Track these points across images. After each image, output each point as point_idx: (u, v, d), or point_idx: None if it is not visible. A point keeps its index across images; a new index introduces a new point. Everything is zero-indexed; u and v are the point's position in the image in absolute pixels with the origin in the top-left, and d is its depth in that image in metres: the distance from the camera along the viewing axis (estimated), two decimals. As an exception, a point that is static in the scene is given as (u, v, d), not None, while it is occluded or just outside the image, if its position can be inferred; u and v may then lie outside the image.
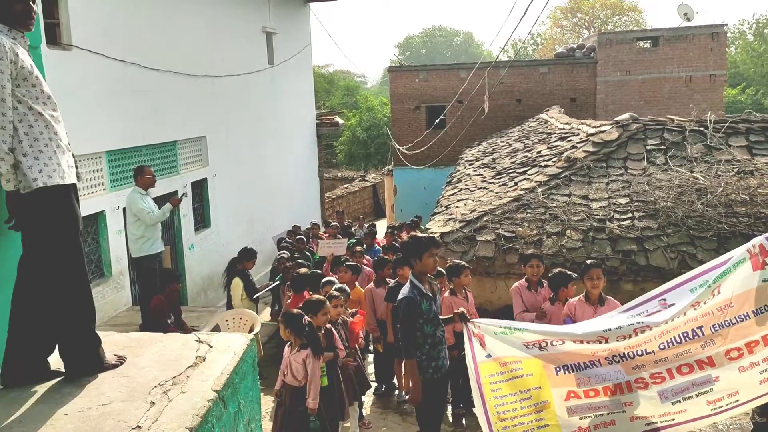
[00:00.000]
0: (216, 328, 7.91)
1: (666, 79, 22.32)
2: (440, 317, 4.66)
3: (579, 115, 19.58)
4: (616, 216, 7.92)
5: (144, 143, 9.77)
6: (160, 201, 8.35)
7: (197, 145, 11.70)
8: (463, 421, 6.00)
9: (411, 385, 4.48)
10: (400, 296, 4.55)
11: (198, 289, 11.27)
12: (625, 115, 9.96)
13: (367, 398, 6.72)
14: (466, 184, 11.61)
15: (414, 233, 4.69)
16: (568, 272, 5.53)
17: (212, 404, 3.13)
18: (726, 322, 4.28)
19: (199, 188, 11.75)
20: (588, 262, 5.46)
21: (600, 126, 10.21)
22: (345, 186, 33.09)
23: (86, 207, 8.41)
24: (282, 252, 10.36)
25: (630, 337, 4.32)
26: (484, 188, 10.36)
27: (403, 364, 4.76)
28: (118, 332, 4.14)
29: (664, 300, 4.41)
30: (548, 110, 19.09)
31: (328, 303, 5.40)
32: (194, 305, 10.44)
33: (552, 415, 4.37)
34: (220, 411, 3.23)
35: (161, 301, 7.57)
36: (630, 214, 7.91)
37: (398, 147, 22.26)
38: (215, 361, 3.57)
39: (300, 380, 5.06)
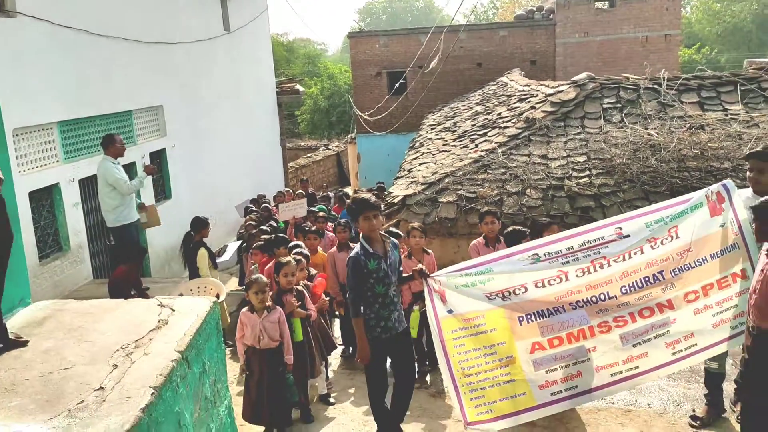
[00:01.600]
0: (180, 298, 7.87)
1: (623, 39, 22.55)
2: (404, 276, 4.70)
3: (539, 77, 19.66)
4: (574, 174, 8.06)
5: (98, 113, 9.53)
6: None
7: (154, 115, 11.46)
8: (427, 378, 6.11)
9: (358, 343, 4.52)
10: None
11: (161, 261, 11.16)
12: (582, 75, 10.07)
13: (335, 360, 6.79)
14: (428, 148, 11.66)
15: (356, 196, 4.68)
16: (522, 228, 5.62)
17: (176, 364, 3.16)
18: (685, 266, 4.42)
19: (158, 159, 11.54)
20: (543, 219, 5.53)
21: (558, 86, 10.31)
22: (308, 155, 32.79)
23: (39, 180, 8.25)
24: (249, 219, 10.34)
25: (589, 271, 4.41)
26: (446, 151, 10.42)
27: None
28: (78, 300, 4.11)
29: (620, 229, 4.49)
30: (508, 73, 19.15)
31: (293, 263, 5.42)
32: (158, 277, 10.34)
33: (518, 370, 4.42)
34: (185, 371, 3.25)
35: (125, 271, 7.49)
36: (587, 172, 8.06)
37: (360, 114, 22.14)
38: (178, 323, 3.59)
39: (277, 339, 5.09)
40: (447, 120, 14.74)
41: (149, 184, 10.89)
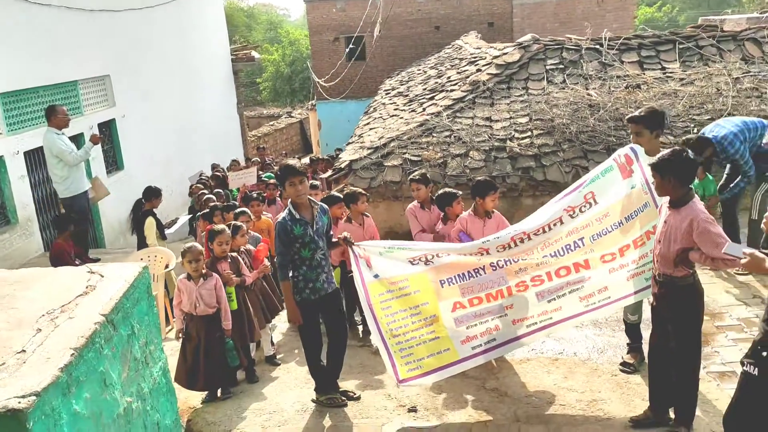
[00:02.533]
0: (131, 268, 7.93)
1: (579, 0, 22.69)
2: (333, 241, 4.85)
3: (497, 40, 19.73)
4: (517, 135, 8.25)
5: (41, 84, 9.40)
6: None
7: (101, 85, 11.32)
8: (372, 337, 6.30)
9: (286, 305, 4.68)
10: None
11: (115, 232, 11.16)
12: (527, 36, 10.20)
13: (283, 324, 6.93)
14: (380, 113, 11.74)
15: (282, 162, 4.79)
16: (451, 190, 5.77)
17: (99, 327, 3.26)
18: (604, 231, 4.63)
19: (107, 129, 11.44)
20: (480, 178, 5.60)
21: (503, 48, 10.43)
22: (271, 123, 32.52)
23: (-17, 153, 8.18)
24: (199, 186, 10.37)
25: (509, 246, 4.63)
26: (396, 116, 10.52)
27: None
28: (8, 269, 4.17)
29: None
30: (465, 36, 19.18)
31: (226, 232, 5.51)
32: (110, 248, 10.35)
33: (441, 327, 4.67)
34: (109, 333, 3.36)
35: (60, 245, 7.47)
36: (529, 133, 8.25)
37: (318, 80, 22.01)
38: (105, 289, 3.68)
39: (213, 306, 5.21)
40: (402, 84, 14.79)
41: (99, 156, 10.83)
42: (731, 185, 6.31)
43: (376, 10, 22.80)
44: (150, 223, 7.93)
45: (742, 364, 2.79)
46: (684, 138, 6.62)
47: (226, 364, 5.28)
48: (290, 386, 5.39)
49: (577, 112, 8.23)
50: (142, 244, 8.24)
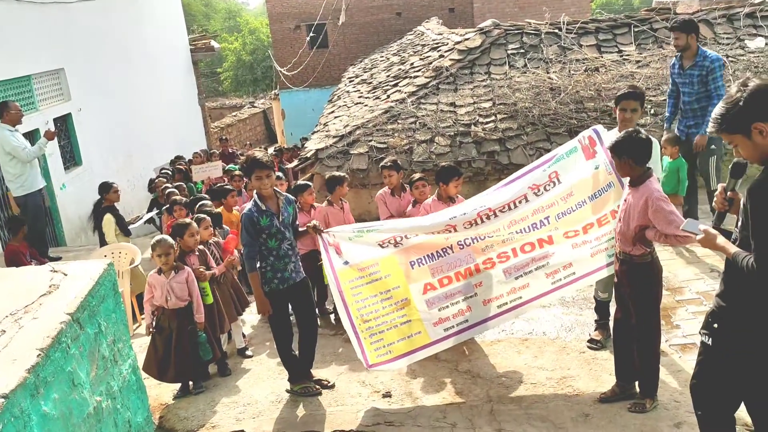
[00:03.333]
0: (95, 265, 7.80)
1: (538, -16, 22.83)
2: (300, 230, 4.85)
3: (458, 25, 19.76)
4: (481, 120, 8.31)
5: (-8, 79, 9.14)
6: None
7: (55, 79, 11.04)
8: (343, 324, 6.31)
9: (255, 297, 4.67)
10: None
11: (76, 229, 10.93)
12: (488, 22, 10.25)
13: (254, 316, 6.89)
14: (345, 101, 11.70)
15: (249, 154, 4.75)
16: (419, 176, 5.82)
17: (65, 326, 3.21)
18: (568, 210, 4.72)
19: (63, 124, 11.18)
20: (444, 164, 5.66)
21: (465, 34, 10.46)
22: (234, 114, 32.08)
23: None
24: (162, 180, 10.21)
25: (476, 223, 4.69)
26: (360, 103, 10.49)
27: None
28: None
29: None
30: (427, 22, 19.17)
31: (194, 224, 5.46)
32: (72, 246, 10.14)
33: (413, 311, 4.71)
34: (76, 332, 3.32)
35: (14, 247, 7.29)
36: (493, 117, 8.31)
37: (280, 69, 21.81)
38: (70, 287, 3.62)
39: (185, 299, 5.16)
40: (365, 72, 14.75)
41: (56, 151, 10.59)
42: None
43: (336, -3, 22.66)
44: (108, 220, 7.78)
45: (700, 334, 2.89)
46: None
47: (198, 356, 5.24)
48: (263, 378, 5.37)
49: (539, 96, 8.33)
50: (104, 241, 8.09)
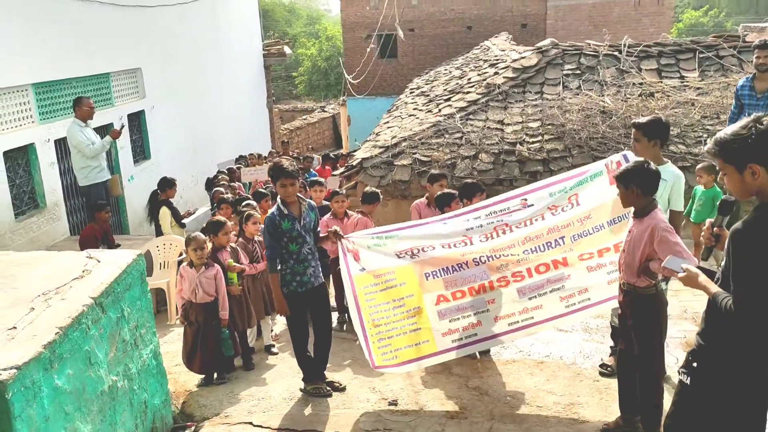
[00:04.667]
0: (147, 254, 8.28)
1: (615, 2, 22.46)
2: (321, 236, 5.06)
3: (529, 42, 19.67)
4: (527, 139, 8.33)
5: (73, 75, 9.80)
6: (98, 133, 8.59)
7: (132, 77, 11.72)
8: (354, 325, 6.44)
9: (274, 297, 4.90)
10: None
11: (140, 219, 11.52)
12: (546, 41, 10.23)
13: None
14: (400, 112, 11.90)
15: (276, 161, 5.00)
16: (452, 192, 5.93)
17: (87, 309, 3.51)
18: (584, 233, 4.76)
19: (137, 120, 11.85)
20: (469, 181, 5.80)
21: (524, 52, 10.48)
22: (304, 117, 32.85)
23: (14, 140, 8.58)
24: (224, 177, 10.72)
25: (491, 236, 4.78)
26: (413, 115, 10.67)
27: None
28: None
29: (525, 200, 4.85)
30: (495, 37, 19.19)
31: (228, 224, 5.77)
32: (133, 235, 10.73)
33: (424, 320, 4.86)
34: (98, 315, 3.62)
35: (92, 228, 7.91)
36: (540, 137, 8.32)
37: (347, 77, 22.25)
38: (99, 273, 3.94)
39: (212, 295, 5.47)
40: (427, 84, 14.91)
41: (127, 145, 11.23)
42: None
43: (410, 9, 22.94)
44: (164, 213, 8.25)
45: (679, 373, 2.89)
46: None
47: (221, 351, 5.53)
48: (283, 375, 5.61)
49: (589, 118, 8.28)
50: (159, 232, 8.57)
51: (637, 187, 3.67)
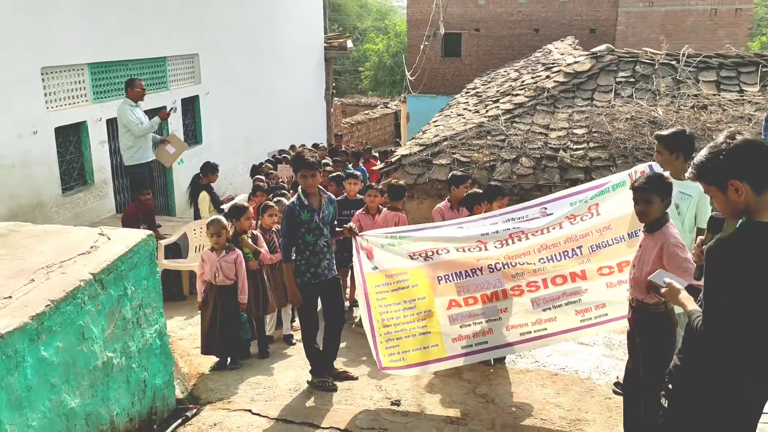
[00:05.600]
0: (183, 237, 8.45)
1: (690, 11, 21.60)
2: (337, 230, 5.03)
3: (596, 46, 19.15)
4: (571, 145, 8.07)
5: (129, 57, 10.09)
6: (148, 115, 8.81)
7: (189, 63, 11.99)
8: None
9: (287, 286, 4.89)
10: None
11: (185, 202, 11.78)
12: (602, 47, 9.89)
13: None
14: (451, 111, 11.75)
15: (298, 152, 4.98)
16: (478, 191, 5.80)
17: (85, 284, 3.58)
18: (603, 243, 4.58)
19: (191, 105, 12.11)
20: (493, 183, 5.67)
21: (578, 57, 10.17)
22: (366, 112, 32.99)
23: (68, 117, 8.90)
24: (268, 166, 10.87)
25: (506, 243, 4.64)
26: (461, 115, 10.51)
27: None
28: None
29: (545, 209, 4.70)
30: (562, 41, 18.75)
31: (251, 209, 5.83)
32: (178, 217, 10.98)
33: (435, 323, 4.76)
34: (96, 291, 3.68)
35: (135, 208, 8.13)
36: (584, 145, 8.04)
37: (407, 74, 22.19)
38: (106, 250, 4.01)
39: (231, 278, 5.53)
40: (483, 85, 14.68)
41: (180, 129, 11.50)
42: None
43: (477, 8, 22.67)
44: (203, 197, 8.40)
45: (659, 397, 2.72)
46: None
47: (239, 334, 5.58)
48: (294, 366, 5.61)
49: (637, 128, 7.95)
50: (198, 216, 8.73)
51: (658, 196, 3.49)
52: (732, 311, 2.32)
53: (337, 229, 5.04)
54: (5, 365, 2.95)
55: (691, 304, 2.52)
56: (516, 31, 22.94)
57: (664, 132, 4.54)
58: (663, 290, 2.66)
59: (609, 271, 4.54)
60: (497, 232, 4.66)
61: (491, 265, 4.68)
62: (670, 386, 2.62)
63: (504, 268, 4.66)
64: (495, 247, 4.65)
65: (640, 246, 3.68)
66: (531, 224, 4.65)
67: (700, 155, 2.47)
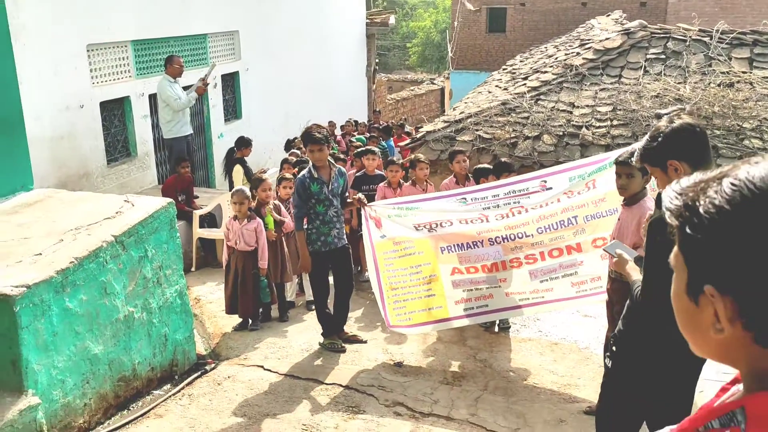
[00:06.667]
0: (218, 208, 8.89)
1: (746, -16, 20.78)
2: (348, 201, 5.32)
3: (647, 21, 18.73)
4: (594, 123, 8.13)
5: (171, 35, 10.52)
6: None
7: (229, 40, 12.38)
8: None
9: (300, 254, 5.22)
10: None
11: (222, 174, 12.26)
12: (635, 23, 9.81)
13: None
14: (483, 88, 11.84)
15: (308, 127, 5.23)
16: (487, 166, 5.99)
17: (106, 245, 3.98)
18: (598, 214, 4.77)
19: (231, 81, 12.52)
20: (503, 160, 5.86)
21: (611, 33, 10.10)
22: (412, 88, 32.99)
23: (112, 92, 9.40)
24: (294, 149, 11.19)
25: (507, 216, 4.88)
26: (491, 92, 10.60)
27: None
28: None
29: (545, 182, 4.90)
30: (608, 15, 18.38)
31: (269, 180, 6.17)
32: (216, 189, 11.46)
33: (439, 286, 5.07)
34: (117, 251, 4.08)
35: (174, 180, 8.58)
36: (608, 122, 8.09)
37: (449, 50, 22.14)
38: (129, 215, 4.41)
39: (252, 245, 5.91)
40: (521, 61, 14.65)
41: (219, 104, 11.94)
42: None
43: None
44: (237, 170, 8.80)
45: (604, 358, 2.93)
46: None
47: (259, 298, 5.97)
48: (310, 329, 5.96)
49: (663, 106, 7.92)
50: (232, 187, 9.14)
51: (639, 171, 3.63)
52: (666, 283, 2.48)
53: (348, 200, 5.32)
54: (32, 312, 3.36)
55: (636, 274, 2.70)
56: (563, 5, 22.54)
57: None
58: (613, 260, 2.84)
59: (603, 242, 4.70)
60: (498, 206, 4.89)
61: (492, 238, 4.92)
62: (614, 348, 2.83)
63: (504, 242, 4.90)
64: (496, 219, 4.89)
65: (618, 219, 3.85)
66: (531, 199, 4.86)
67: (644, 140, 2.64)
